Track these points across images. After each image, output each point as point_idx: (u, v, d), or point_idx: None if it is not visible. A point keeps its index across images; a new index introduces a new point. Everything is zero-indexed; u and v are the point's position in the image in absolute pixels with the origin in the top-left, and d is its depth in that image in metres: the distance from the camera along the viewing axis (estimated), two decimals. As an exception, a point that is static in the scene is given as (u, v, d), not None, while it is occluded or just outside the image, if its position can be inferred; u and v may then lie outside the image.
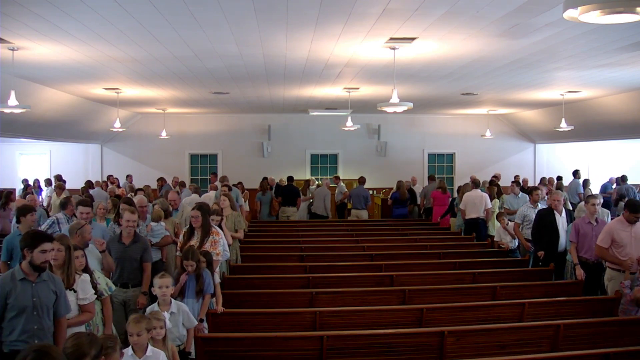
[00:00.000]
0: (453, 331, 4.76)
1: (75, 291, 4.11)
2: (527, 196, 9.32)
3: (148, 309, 4.41)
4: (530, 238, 7.87)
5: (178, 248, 5.90)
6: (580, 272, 6.57)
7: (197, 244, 5.70)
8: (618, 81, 9.74)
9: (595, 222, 6.62)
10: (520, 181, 14.27)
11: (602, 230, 6.15)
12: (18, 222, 6.18)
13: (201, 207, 5.83)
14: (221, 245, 5.86)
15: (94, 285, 4.37)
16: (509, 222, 8.85)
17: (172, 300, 4.46)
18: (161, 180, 14.42)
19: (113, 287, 4.75)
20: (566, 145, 17.31)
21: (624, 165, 16.28)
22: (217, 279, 5.90)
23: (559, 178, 14.08)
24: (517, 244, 8.75)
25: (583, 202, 7.51)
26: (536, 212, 7.86)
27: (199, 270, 4.98)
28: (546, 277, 7.14)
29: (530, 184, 14.55)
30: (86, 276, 4.25)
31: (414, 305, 5.72)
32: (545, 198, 9.47)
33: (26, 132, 12.42)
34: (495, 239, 9.24)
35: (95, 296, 4.27)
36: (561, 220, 7.43)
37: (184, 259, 4.99)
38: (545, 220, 7.41)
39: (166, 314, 4.08)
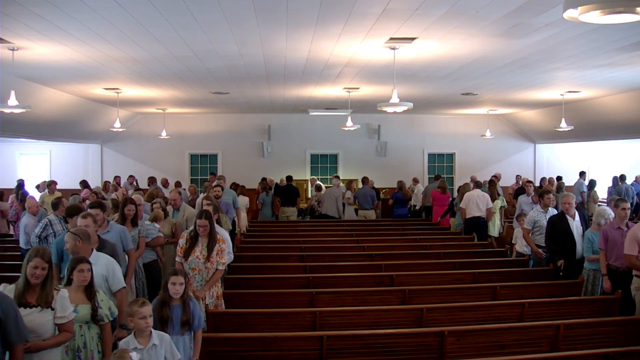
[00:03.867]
0: (453, 331, 4.75)
1: (53, 309, 3.64)
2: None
3: (121, 343, 3.71)
4: (542, 244, 7.46)
5: (179, 253, 5.48)
6: (607, 284, 6.09)
7: (204, 252, 5.38)
8: (618, 81, 9.74)
9: (625, 227, 6.10)
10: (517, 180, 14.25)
11: (627, 237, 5.72)
12: (65, 222, 6.12)
13: (208, 215, 5.48)
14: (227, 254, 5.68)
15: (94, 309, 3.94)
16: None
17: (152, 330, 3.76)
18: (151, 180, 14.32)
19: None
20: (566, 145, 17.32)
21: (624, 165, 16.28)
22: (217, 293, 5.51)
23: (559, 178, 14.08)
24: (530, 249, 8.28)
25: (603, 207, 7.02)
26: (547, 218, 7.36)
27: (185, 297, 4.22)
28: (546, 277, 7.14)
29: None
30: (64, 292, 3.76)
31: (414, 305, 5.72)
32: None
33: (26, 132, 12.42)
34: (512, 241, 8.88)
35: (75, 314, 3.79)
36: (575, 224, 6.94)
37: (172, 275, 4.23)
38: (559, 226, 6.93)
39: (134, 355, 3.42)
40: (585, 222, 7.18)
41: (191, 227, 5.65)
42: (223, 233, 6.13)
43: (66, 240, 4.56)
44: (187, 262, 5.36)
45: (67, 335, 3.72)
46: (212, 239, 5.43)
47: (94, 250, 4.72)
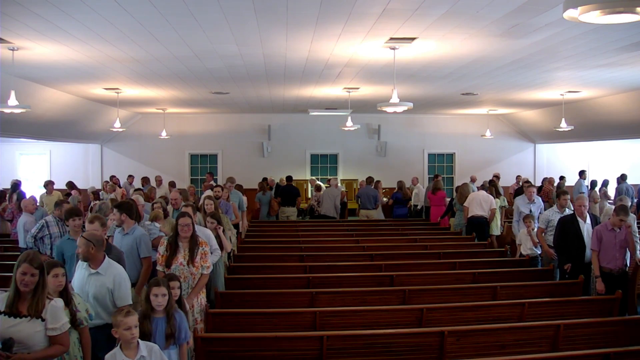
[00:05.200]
0: (453, 331, 4.75)
1: (43, 319, 3.37)
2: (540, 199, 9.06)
3: (107, 356, 3.48)
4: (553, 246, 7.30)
5: (160, 262, 5.18)
6: (601, 286, 6.07)
7: (187, 257, 5.14)
8: (618, 81, 9.74)
9: (618, 229, 6.12)
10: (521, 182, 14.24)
11: None
12: (65, 224, 6.16)
13: (190, 215, 5.24)
14: (214, 251, 5.58)
15: (73, 313, 3.71)
16: (535, 228, 8.05)
17: (139, 341, 3.53)
18: (144, 180, 14.26)
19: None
20: (566, 145, 17.32)
21: (623, 165, 16.28)
22: (203, 301, 5.29)
23: (561, 178, 14.06)
24: (539, 251, 8.02)
25: (613, 207, 6.97)
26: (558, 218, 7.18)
27: (170, 308, 3.97)
28: (546, 277, 7.14)
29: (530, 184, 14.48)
30: (58, 301, 3.51)
31: (414, 305, 5.72)
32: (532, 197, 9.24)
33: (26, 132, 12.42)
34: (516, 242, 8.68)
35: (69, 326, 3.56)
36: (586, 227, 6.78)
37: (154, 285, 3.97)
38: (569, 228, 6.78)
39: None
40: (597, 224, 6.92)
41: (161, 234, 5.38)
42: (205, 233, 6.00)
43: (78, 245, 4.36)
44: (171, 270, 5.05)
45: (59, 349, 3.44)
46: (194, 242, 5.19)
47: (106, 257, 4.44)
